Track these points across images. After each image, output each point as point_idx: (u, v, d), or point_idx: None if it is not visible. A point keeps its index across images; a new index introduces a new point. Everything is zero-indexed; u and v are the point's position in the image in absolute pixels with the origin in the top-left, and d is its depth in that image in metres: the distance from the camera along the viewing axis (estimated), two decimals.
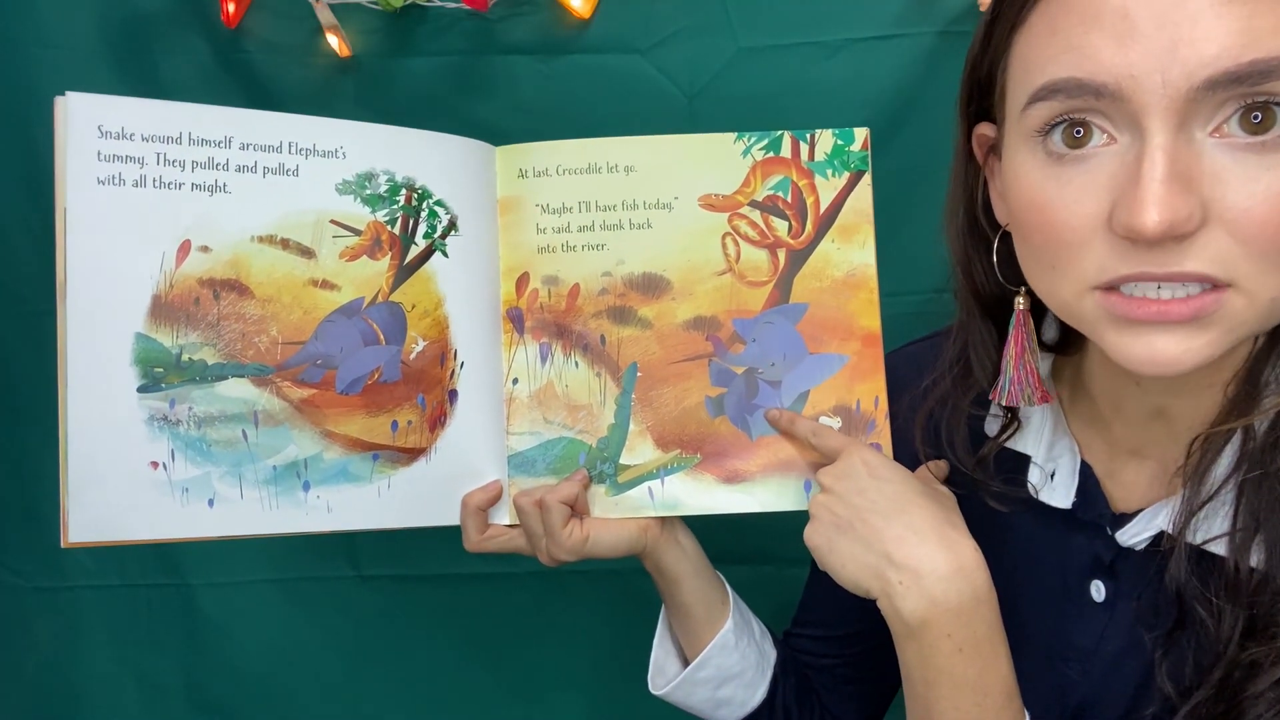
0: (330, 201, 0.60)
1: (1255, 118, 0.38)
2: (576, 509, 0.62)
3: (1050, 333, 0.55)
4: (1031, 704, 0.52)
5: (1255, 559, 0.45)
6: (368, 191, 0.61)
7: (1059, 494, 0.53)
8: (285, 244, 0.59)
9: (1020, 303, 0.50)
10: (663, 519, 0.64)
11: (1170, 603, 0.48)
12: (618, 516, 0.63)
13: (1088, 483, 0.53)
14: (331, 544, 0.90)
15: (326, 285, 0.60)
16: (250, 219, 0.58)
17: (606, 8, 0.79)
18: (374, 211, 0.61)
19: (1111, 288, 0.41)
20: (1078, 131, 0.41)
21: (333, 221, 0.60)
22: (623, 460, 0.63)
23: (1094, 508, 0.52)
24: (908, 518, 0.51)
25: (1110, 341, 0.42)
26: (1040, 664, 0.53)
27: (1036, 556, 0.55)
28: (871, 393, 0.62)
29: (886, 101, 0.78)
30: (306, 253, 0.59)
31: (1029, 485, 0.54)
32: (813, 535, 0.54)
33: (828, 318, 0.62)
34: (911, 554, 0.50)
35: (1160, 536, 0.49)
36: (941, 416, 0.56)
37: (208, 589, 0.90)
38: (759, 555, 0.84)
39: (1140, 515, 0.51)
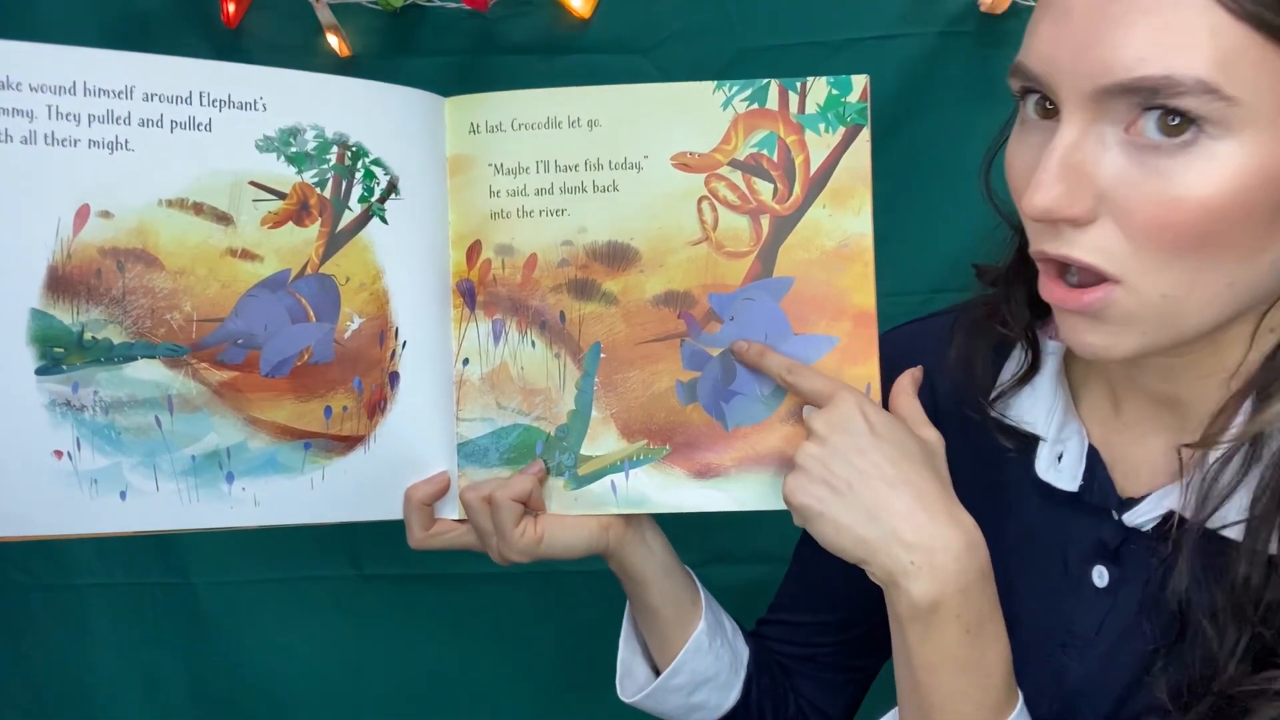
0: (249, 160, 0.54)
1: (1173, 120, 0.40)
2: (531, 505, 0.58)
3: None
4: (1026, 689, 0.51)
5: (1274, 546, 0.45)
6: (293, 149, 0.55)
7: (1065, 476, 0.52)
8: (198, 209, 0.54)
9: None
10: (627, 516, 0.60)
11: (1175, 590, 0.47)
12: (576, 513, 0.59)
13: (1095, 466, 0.52)
14: (333, 543, 0.91)
15: (247, 255, 0.54)
16: (157, 181, 0.53)
17: (606, 8, 0.80)
18: (300, 172, 0.55)
19: (1046, 262, 0.45)
20: (1049, 104, 0.43)
21: (252, 183, 0.54)
22: (584, 451, 0.58)
23: (1101, 491, 0.51)
24: (915, 489, 0.48)
25: (1055, 316, 0.46)
26: (1036, 649, 0.52)
27: (1036, 539, 0.54)
28: (864, 378, 0.56)
29: (887, 102, 0.77)
30: (223, 219, 0.54)
31: (1035, 466, 0.53)
32: (798, 492, 0.50)
33: (816, 294, 0.56)
34: (924, 531, 0.47)
35: (1168, 520, 0.49)
36: (963, 357, 0.55)
37: (211, 588, 0.92)
38: (757, 555, 0.83)
39: (1150, 497, 0.50)
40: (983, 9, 0.80)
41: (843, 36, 0.78)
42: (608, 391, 0.58)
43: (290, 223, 0.55)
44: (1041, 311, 0.53)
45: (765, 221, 0.57)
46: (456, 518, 0.59)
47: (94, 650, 0.93)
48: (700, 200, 0.57)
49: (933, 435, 0.53)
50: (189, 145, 0.53)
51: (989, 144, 0.53)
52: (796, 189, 0.57)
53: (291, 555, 0.91)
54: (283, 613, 0.92)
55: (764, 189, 0.57)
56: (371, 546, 0.91)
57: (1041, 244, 0.44)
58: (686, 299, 0.57)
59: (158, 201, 0.53)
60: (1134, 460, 0.52)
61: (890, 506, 0.48)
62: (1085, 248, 0.43)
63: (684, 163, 0.57)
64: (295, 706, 0.94)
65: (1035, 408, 0.54)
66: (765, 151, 0.57)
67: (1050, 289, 0.45)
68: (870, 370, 0.57)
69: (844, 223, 0.56)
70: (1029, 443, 0.53)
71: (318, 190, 0.56)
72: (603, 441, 0.58)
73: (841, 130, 0.56)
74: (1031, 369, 0.54)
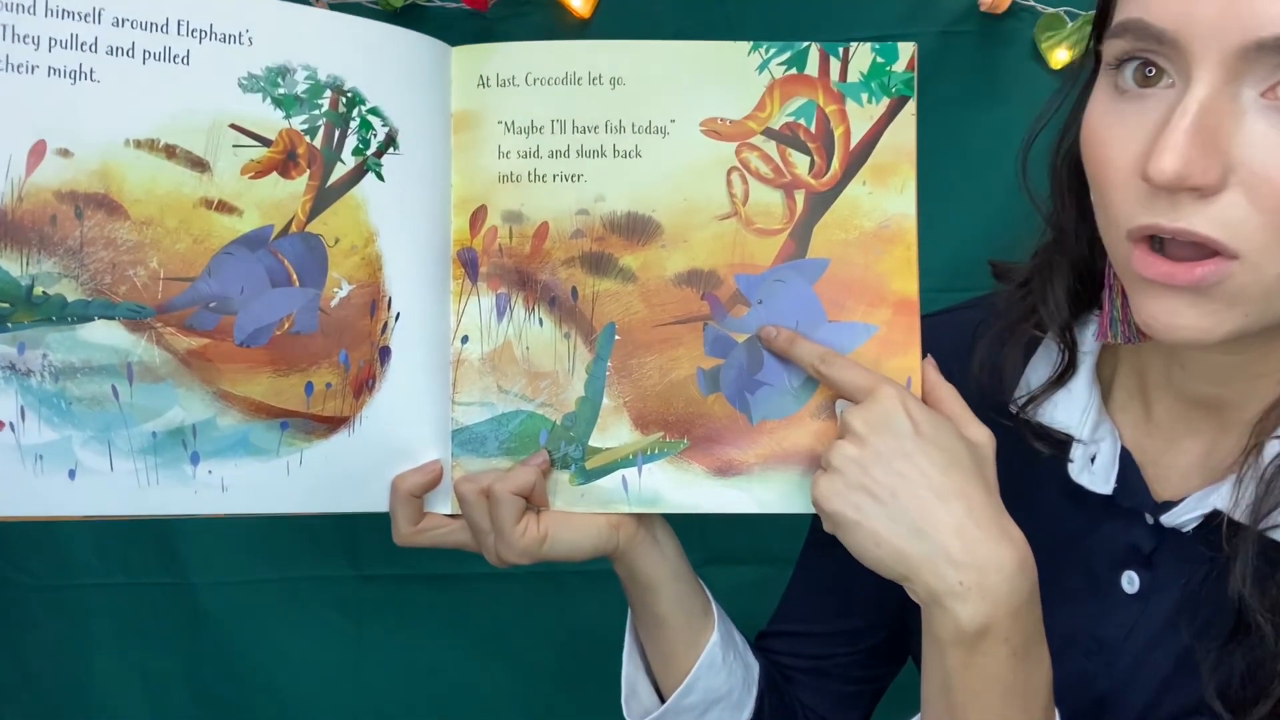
0: (231, 100, 0.49)
1: None
2: (533, 500, 0.54)
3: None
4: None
5: None
6: (281, 90, 0.50)
7: (1099, 478, 0.51)
8: (170, 152, 0.49)
9: None
10: (639, 515, 0.55)
11: (1217, 596, 0.47)
12: (583, 511, 0.55)
13: (1128, 468, 0.51)
14: (333, 543, 0.92)
15: (224, 208, 0.50)
16: (125, 117, 0.48)
17: (606, 8, 0.82)
18: (288, 116, 0.51)
19: (1141, 240, 0.42)
20: (1149, 70, 0.41)
21: (233, 126, 0.49)
22: (593, 442, 0.54)
23: (1135, 494, 0.51)
24: (965, 499, 0.45)
25: (1135, 301, 0.44)
26: (1061, 657, 0.50)
27: (1063, 543, 0.53)
28: (904, 371, 0.53)
29: None
30: (198, 165, 0.49)
31: (1068, 466, 0.52)
32: (833, 497, 0.47)
33: (853, 278, 0.53)
34: (975, 548, 0.45)
35: (1209, 521, 0.48)
36: (993, 357, 0.54)
37: (210, 588, 0.93)
38: (758, 555, 0.83)
39: (1190, 498, 0.49)
40: (983, 9, 0.80)
41: (843, 37, 0.81)
42: (621, 378, 0.54)
43: (274, 173, 0.50)
44: (1077, 308, 0.52)
45: (800, 197, 0.54)
46: (449, 512, 0.55)
47: (94, 650, 0.94)
48: (730, 171, 0.54)
49: (982, 435, 0.50)
50: (163, 79, 0.48)
51: (1027, 131, 0.51)
52: (835, 163, 0.54)
53: (291, 555, 0.92)
54: (282, 613, 0.93)
55: (800, 162, 0.54)
56: (371, 546, 0.91)
57: (1153, 217, 0.41)
58: (711, 279, 0.54)
59: (124, 141, 0.48)
60: (1165, 463, 0.51)
61: (938, 519, 0.45)
62: (1208, 220, 0.40)
63: (714, 129, 0.54)
64: (295, 707, 0.94)
65: (1070, 409, 0.52)
66: (802, 121, 0.54)
67: (1150, 264, 0.42)
68: (911, 362, 0.53)
69: (885, 202, 0.53)
70: (1061, 445, 0.52)
71: (307, 139, 0.51)
72: (614, 432, 0.54)
73: (886, 101, 0.54)
74: (1067, 369, 0.52)
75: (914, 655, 0.59)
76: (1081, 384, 0.52)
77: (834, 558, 0.49)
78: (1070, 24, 0.80)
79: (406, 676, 0.94)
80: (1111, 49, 0.43)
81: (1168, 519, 0.49)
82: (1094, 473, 0.51)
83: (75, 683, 0.94)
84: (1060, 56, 0.81)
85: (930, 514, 0.45)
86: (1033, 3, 0.80)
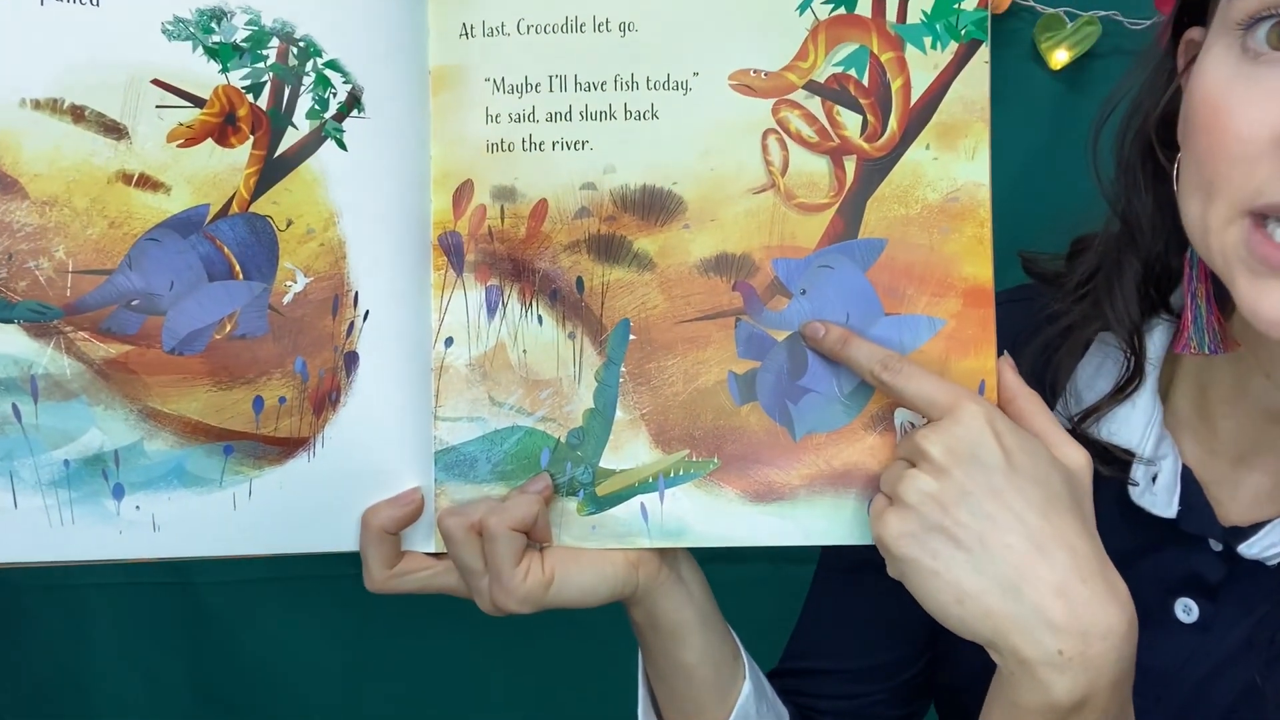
0: (153, 50, 0.43)
1: None
2: (534, 536, 0.47)
3: (1179, 300, 0.51)
4: None
5: None
6: (215, 38, 0.44)
7: (1160, 500, 0.49)
8: (77, 115, 0.42)
9: None
10: (662, 551, 0.50)
11: None
12: (595, 546, 0.49)
13: (1190, 489, 0.49)
14: None
15: (147, 184, 0.44)
16: (19, 73, 0.41)
17: None
18: (226, 70, 0.44)
19: (1261, 220, 0.40)
20: None
21: (157, 83, 0.43)
22: (604, 463, 0.49)
23: (1202, 519, 0.49)
24: (1069, 551, 0.41)
25: (1241, 288, 0.41)
26: None
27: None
28: (976, 374, 0.47)
29: None
30: (113, 130, 0.43)
31: (1130, 489, 0.50)
32: (905, 539, 0.42)
33: (916, 261, 0.47)
34: (1081, 612, 0.40)
35: None
36: (1049, 361, 0.52)
37: (212, 587, 0.93)
38: (760, 552, 0.78)
39: (1272, 526, 0.47)
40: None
41: None
42: (638, 385, 0.48)
43: (210, 141, 0.44)
44: (1146, 309, 0.50)
45: (850, 165, 0.48)
46: (433, 550, 0.49)
47: (94, 650, 0.95)
48: (766, 134, 0.48)
49: (1079, 458, 0.44)
50: (67, 24, 0.42)
51: (1099, 109, 0.50)
52: (893, 123, 0.47)
53: (292, 555, 0.95)
54: (284, 611, 0.93)
55: (850, 122, 0.47)
56: None
57: None
58: (745, 264, 0.48)
59: (19, 101, 0.41)
60: (1229, 483, 0.50)
61: (1036, 575, 0.41)
62: None
63: (746, 84, 0.47)
64: (296, 706, 0.95)
65: (1131, 423, 0.50)
66: (853, 72, 0.47)
67: (1273, 251, 0.39)
68: (985, 363, 0.47)
69: (954, 168, 0.47)
70: (1118, 463, 0.50)
71: (249, 98, 0.45)
72: (630, 451, 0.48)
73: (954, 47, 0.47)
74: (1131, 378, 0.50)
75: (941, 685, 0.59)
76: (1146, 397, 0.50)
77: (863, 585, 0.48)
78: (1070, 24, 0.80)
79: (408, 676, 0.95)
80: (1241, 8, 0.40)
81: (1246, 549, 0.47)
82: (1155, 494, 0.49)
83: (77, 683, 0.95)
84: (1060, 57, 0.81)
85: (1027, 567, 0.40)
86: (1032, 3, 0.80)
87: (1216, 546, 0.49)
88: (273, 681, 0.96)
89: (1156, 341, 0.50)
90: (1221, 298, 0.48)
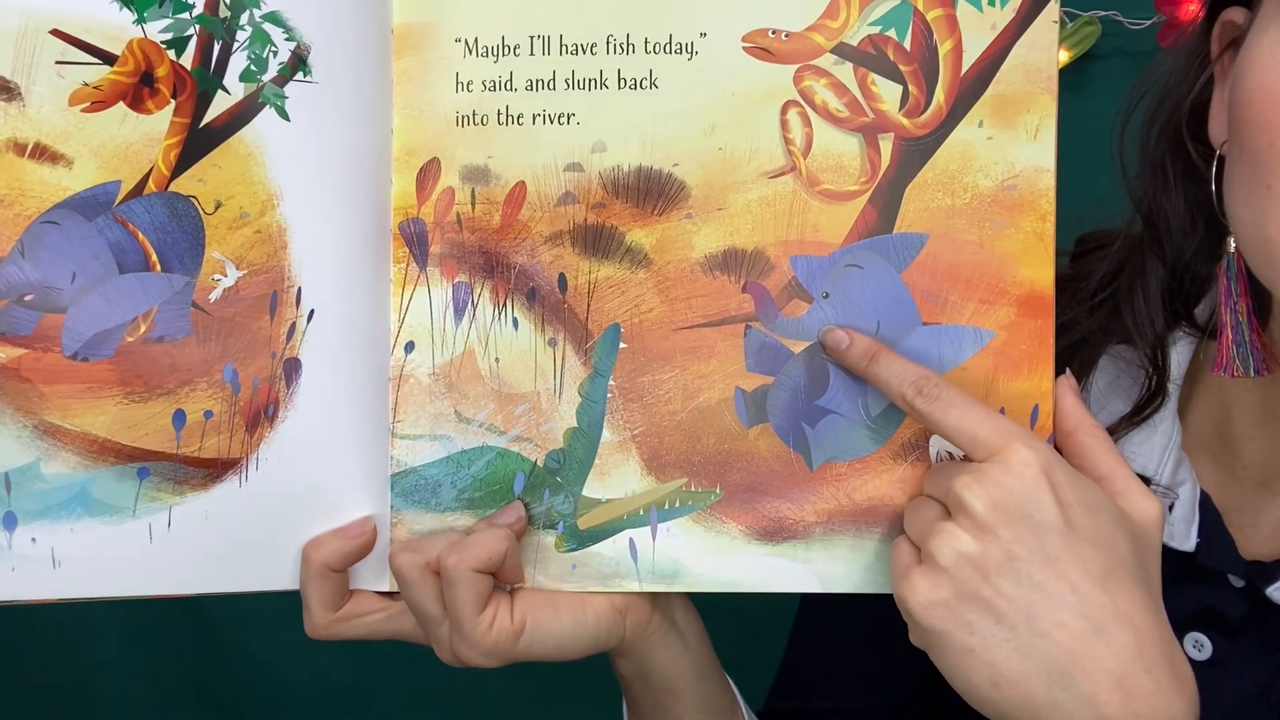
0: None
1: None
2: (503, 577, 0.42)
3: (1204, 312, 0.49)
4: None
5: None
6: None
7: (1178, 531, 0.47)
8: None
9: (1233, 243, 0.43)
10: (653, 595, 0.45)
11: None
12: (575, 589, 0.44)
13: (1209, 519, 0.47)
14: None
15: (44, 154, 0.39)
16: None
17: None
18: (142, 21, 0.40)
19: None
20: None
21: (57, 33, 0.38)
22: (588, 492, 0.45)
23: (1222, 553, 0.47)
24: (1132, 630, 0.37)
25: None
26: None
27: None
28: (1029, 398, 0.42)
29: None
30: (3, 90, 0.38)
31: None
32: (936, 609, 0.37)
33: (962, 261, 0.43)
34: (1140, 705, 0.36)
35: None
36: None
37: None
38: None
39: None
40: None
41: None
42: (629, 402, 0.44)
43: (122, 105, 0.39)
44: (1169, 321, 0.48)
45: (886, 145, 0.43)
46: (387, 589, 0.44)
47: (95, 650, 0.96)
48: (786, 107, 0.43)
49: (1150, 512, 0.39)
50: None
51: (1119, 112, 0.48)
52: (939, 95, 0.42)
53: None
54: (286, 611, 0.96)
55: (888, 93, 0.42)
56: None
57: None
58: (757, 262, 0.43)
59: None
60: (1253, 510, 0.48)
61: (1093, 661, 0.36)
62: None
63: (763, 46, 0.43)
64: (297, 706, 0.96)
65: (1149, 447, 0.48)
66: (892, 33, 0.42)
67: None
68: (1040, 384, 0.42)
69: (1012, 150, 0.42)
70: None
71: (170, 54, 0.40)
72: (619, 478, 0.44)
73: (1016, 3, 0.42)
74: (1152, 397, 0.48)
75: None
76: (1166, 419, 0.48)
77: (861, 622, 0.47)
78: (1070, 24, 0.79)
79: (410, 674, 0.95)
80: None
81: (1276, 592, 0.45)
82: (1172, 524, 0.47)
83: (78, 685, 0.96)
84: (1059, 57, 0.80)
85: (1082, 651, 0.36)
86: None
87: (1238, 582, 0.47)
88: (273, 679, 0.96)
89: (1177, 358, 0.48)
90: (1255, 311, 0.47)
